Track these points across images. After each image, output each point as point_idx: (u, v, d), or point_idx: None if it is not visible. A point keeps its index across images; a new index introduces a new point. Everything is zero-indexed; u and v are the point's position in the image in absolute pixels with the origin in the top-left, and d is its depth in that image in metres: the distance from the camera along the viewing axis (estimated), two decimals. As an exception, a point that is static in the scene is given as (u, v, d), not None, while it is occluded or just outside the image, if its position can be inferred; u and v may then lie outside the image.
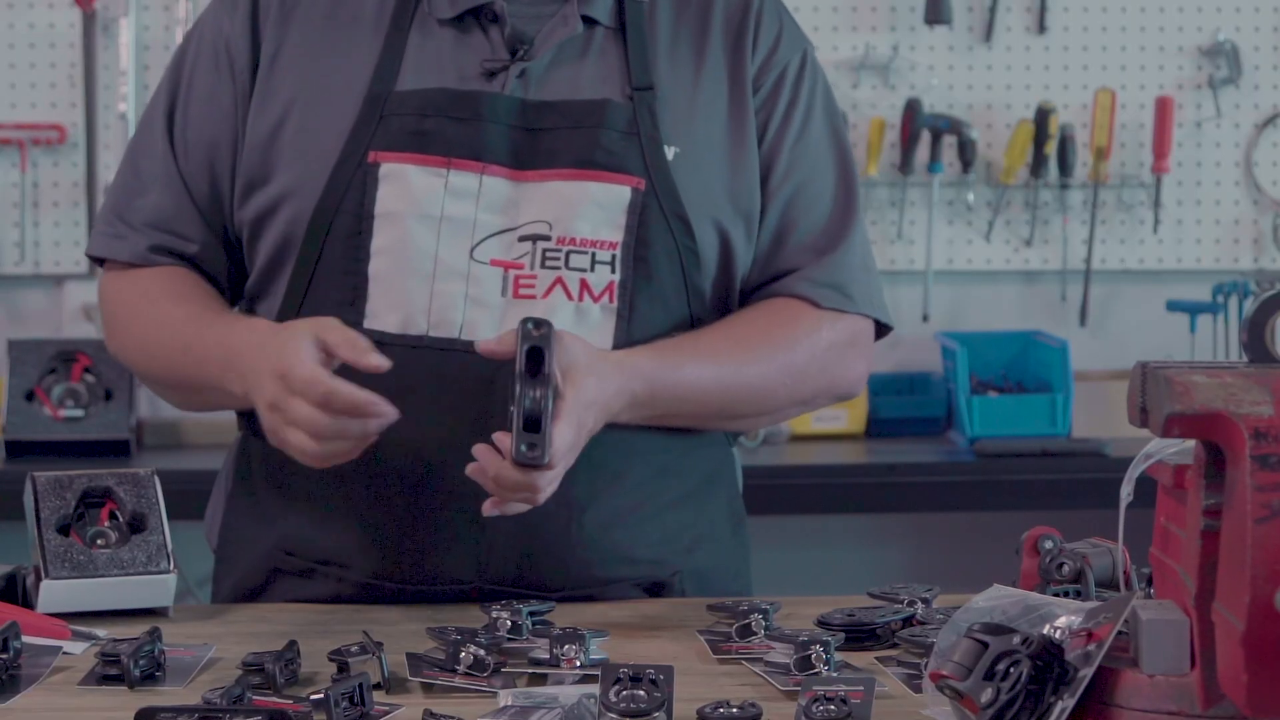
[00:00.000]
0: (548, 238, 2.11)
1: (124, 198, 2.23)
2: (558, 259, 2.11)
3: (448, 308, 2.09)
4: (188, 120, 2.20)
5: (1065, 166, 4.38)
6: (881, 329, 2.27)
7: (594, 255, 2.11)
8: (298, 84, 2.16)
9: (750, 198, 2.19)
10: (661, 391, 2.09)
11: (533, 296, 2.10)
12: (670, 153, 2.14)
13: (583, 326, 2.09)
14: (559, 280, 2.10)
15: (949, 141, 4.36)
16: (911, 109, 4.33)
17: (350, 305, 2.09)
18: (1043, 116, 4.34)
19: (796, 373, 2.18)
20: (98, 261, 2.27)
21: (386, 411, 1.94)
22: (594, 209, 2.11)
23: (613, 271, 2.12)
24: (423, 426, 1.99)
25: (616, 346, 2.10)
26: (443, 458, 2.08)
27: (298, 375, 1.94)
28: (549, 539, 2.11)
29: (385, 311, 2.09)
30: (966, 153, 4.35)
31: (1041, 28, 4.41)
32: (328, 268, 2.11)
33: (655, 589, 2.18)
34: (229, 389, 2.07)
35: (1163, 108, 4.39)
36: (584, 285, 2.11)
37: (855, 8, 4.39)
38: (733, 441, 2.30)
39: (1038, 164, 4.36)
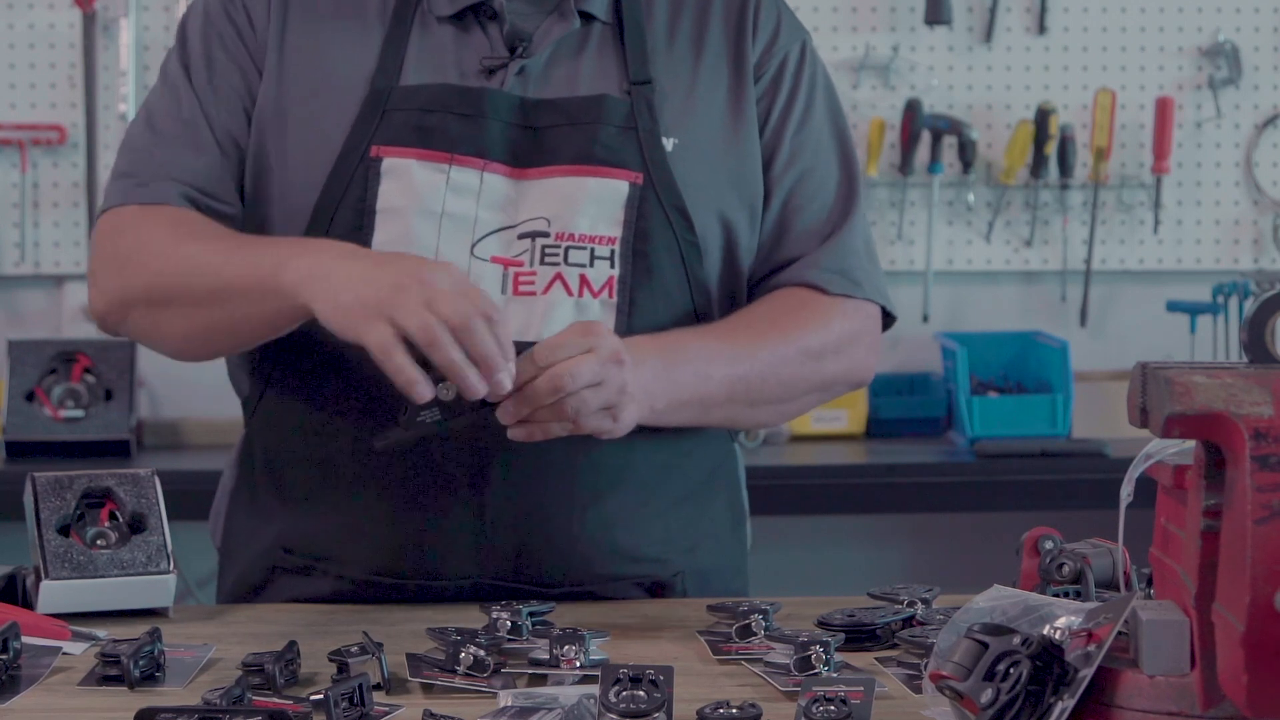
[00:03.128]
0: (546, 234, 2.11)
1: (144, 155, 2.15)
2: (557, 255, 2.11)
3: (449, 305, 2.08)
4: (216, 88, 2.15)
5: (1065, 167, 4.38)
6: (886, 320, 2.27)
7: (593, 251, 2.11)
8: (298, 75, 2.15)
9: (753, 185, 2.20)
10: (679, 364, 2.07)
11: (533, 293, 2.10)
12: (669, 145, 2.15)
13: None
14: (558, 276, 2.10)
15: (949, 142, 4.36)
16: (911, 109, 4.33)
17: (352, 301, 2.09)
18: (1043, 117, 4.34)
19: (812, 356, 2.17)
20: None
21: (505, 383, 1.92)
22: (592, 204, 2.11)
23: (612, 266, 2.12)
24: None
25: None
26: (442, 453, 2.08)
27: (506, 329, 1.91)
28: (550, 536, 2.11)
29: (387, 308, 2.09)
30: (966, 153, 4.35)
31: (1041, 28, 4.41)
32: (328, 262, 2.11)
33: (657, 589, 2.18)
34: (274, 284, 1.97)
35: (1163, 108, 4.39)
36: (583, 281, 2.11)
37: (855, 8, 4.40)
38: (733, 438, 2.30)
39: (1038, 164, 4.36)
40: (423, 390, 1.89)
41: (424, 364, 1.90)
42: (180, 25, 2.23)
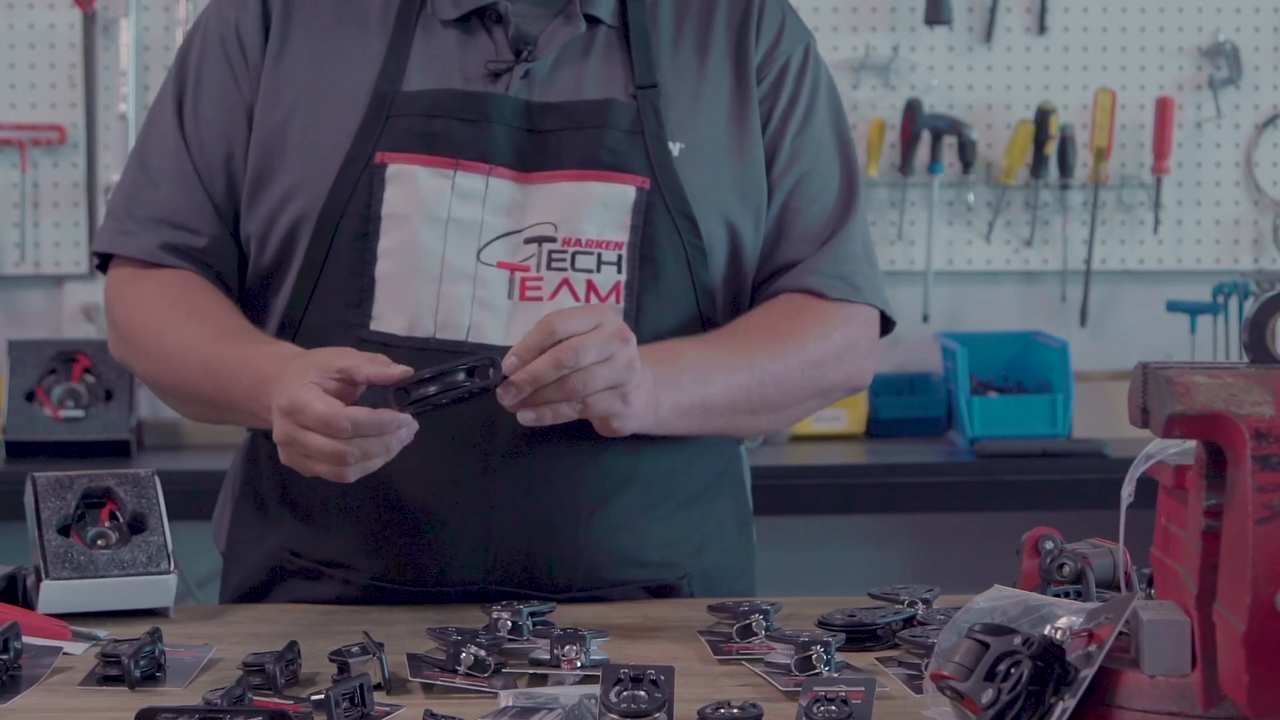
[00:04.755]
0: (553, 239, 2.11)
1: (132, 193, 2.21)
2: (564, 260, 2.11)
3: (455, 310, 2.09)
4: (200, 117, 2.20)
5: (1065, 167, 4.38)
6: (885, 325, 2.27)
7: (600, 256, 2.11)
8: (303, 82, 2.16)
9: (758, 190, 2.20)
10: (677, 371, 2.06)
11: (539, 298, 2.10)
12: (675, 149, 2.15)
13: (590, 328, 2.09)
14: (565, 282, 2.10)
15: (949, 142, 4.36)
16: (911, 109, 4.33)
17: (357, 307, 2.10)
18: (1043, 117, 4.34)
19: (812, 364, 2.17)
20: (101, 266, 2.26)
21: (406, 422, 1.93)
22: (599, 209, 2.11)
23: (619, 272, 2.11)
24: (429, 428, 1.99)
25: None
26: (449, 459, 2.08)
27: (313, 412, 1.91)
28: (557, 541, 2.11)
29: (392, 314, 2.09)
30: (967, 153, 4.35)
31: (1041, 28, 4.41)
32: (334, 269, 2.11)
33: (663, 591, 2.18)
34: (258, 414, 2.05)
35: (1163, 108, 4.39)
36: (590, 286, 2.11)
37: (855, 8, 4.40)
38: (739, 440, 2.30)
39: (1038, 164, 4.36)
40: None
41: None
42: (178, 52, 2.26)
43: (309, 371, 1.94)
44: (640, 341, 2.07)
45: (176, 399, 2.21)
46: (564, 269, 2.10)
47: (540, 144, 2.13)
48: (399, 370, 1.93)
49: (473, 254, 2.10)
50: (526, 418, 1.96)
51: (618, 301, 2.11)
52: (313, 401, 1.91)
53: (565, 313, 1.96)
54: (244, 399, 2.06)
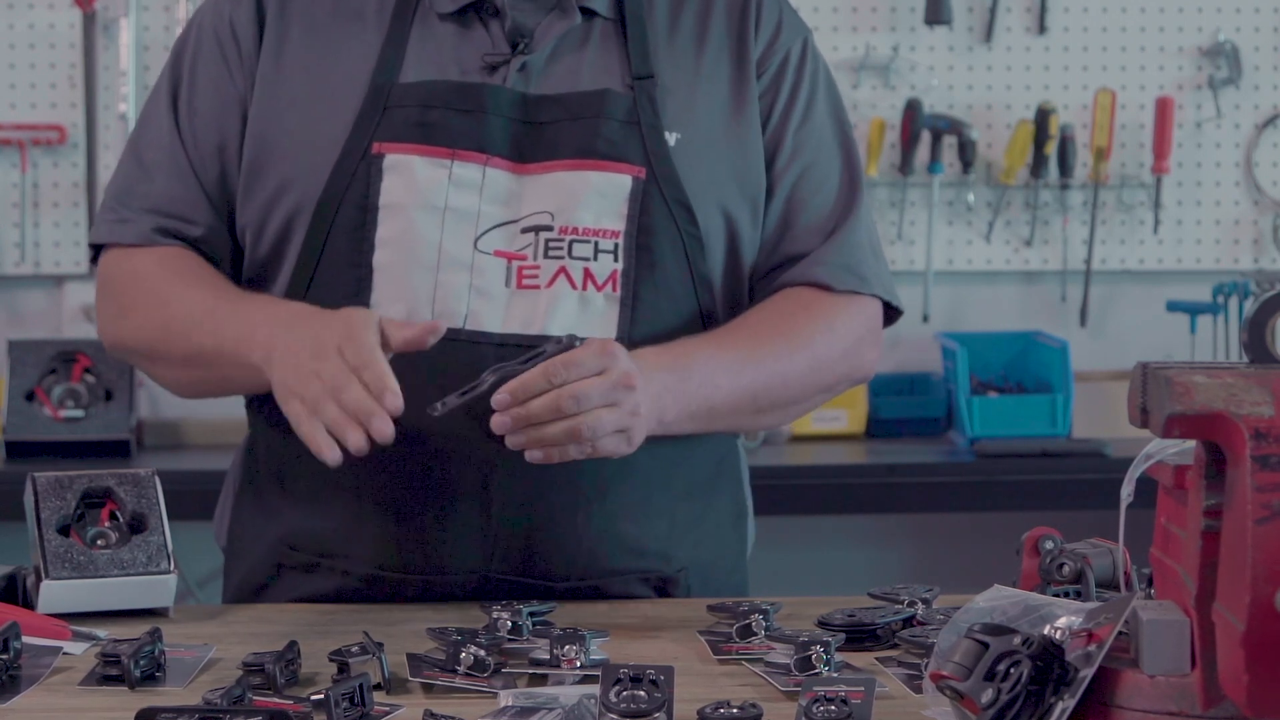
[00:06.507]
0: (550, 228, 2.12)
1: (127, 185, 2.22)
2: (560, 249, 2.11)
3: (452, 298, 2.09)
4: (194, 110, 2.21)
5: (1065, 167, 4.38)
6: (890, 315, 2.27)
7: (596, 244, 2.12)
8: (300, 75, 2.17)
9: (755, 181, 2.20)
10: (688, 378, 2.07)
11: (536, 287, 2.10)
12: (672, 139, 2.15)
13: (587, 315, 2.10)
14: (562, 270, 2.11)
15: (949, 142, 4.36)
16: (911, 109, 4.33)
17: (354, 296, 2.10)
18: (1043, 117, 4.34)
19: (819, 361, 2.18)
20: (94, 259, 2.26)
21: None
22: (596, 198, 2.12)
23: (615, 260, 2.12)
24: (427, 416, 1.99)
25: (620, 335, 2.11)
26: (447, 447, 2.08)
27: (375, 371, 1.92)
28: (555, 530, 2.12)
29: (389, 302, 2.10)
30: (966, 153, 4.35)
31: (1041, 28, 4.41)
32: (332, 259, 2.12)
33: (662, 585, 2.18)
34: (245, 359, 2.05)
35: (1163, 108, 4.39)
36: (587, 274, 2.11)
37: (855, 8, 4.40)
38: (739, 434, 2.30)
39: (1038, 164, 4.36)
40: (328, 456, 1.93)
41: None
42: (173, 46, 2.27)
43: (373, 325, 1.96)
44: (640, 333, 2.09)
45: (164, 362, 2.19)
46: (561, 257, 2.11)
47: (536, 135, 2.14)
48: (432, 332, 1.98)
49: (470, 243, 2.11)
50: (533, 456, 1.97)
51: (614, 290, 2.12)
52: (375, 349, 1.93)
53: (570, 358, 1.96)
54: (232, 346, 2.06)
